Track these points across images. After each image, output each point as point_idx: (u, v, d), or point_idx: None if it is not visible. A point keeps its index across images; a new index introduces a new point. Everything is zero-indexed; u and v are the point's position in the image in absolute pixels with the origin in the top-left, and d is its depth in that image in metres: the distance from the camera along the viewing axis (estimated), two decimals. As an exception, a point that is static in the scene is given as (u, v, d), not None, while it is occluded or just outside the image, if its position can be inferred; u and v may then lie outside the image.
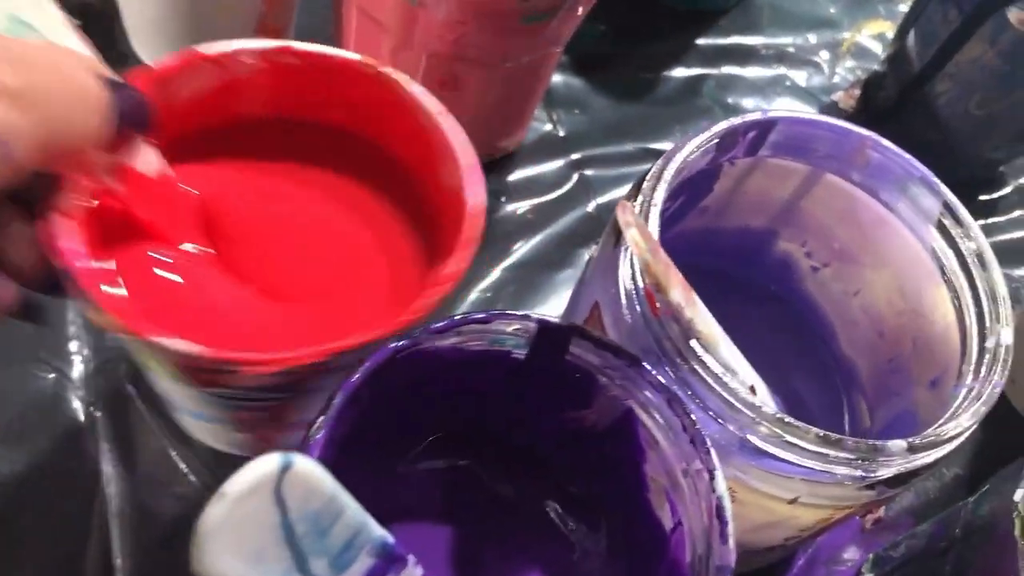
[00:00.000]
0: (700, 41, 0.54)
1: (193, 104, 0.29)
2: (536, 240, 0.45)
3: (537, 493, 0.32)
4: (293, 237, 0.30)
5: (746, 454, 0.28)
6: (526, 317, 0.26)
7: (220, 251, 0.28)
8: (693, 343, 0.27)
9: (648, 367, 0.27)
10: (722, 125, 0.32)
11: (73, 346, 0.37)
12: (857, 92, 0.54)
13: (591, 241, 0.45)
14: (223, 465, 0.36)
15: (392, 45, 0.39)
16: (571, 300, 0.37)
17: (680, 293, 0.26)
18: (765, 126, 0.33)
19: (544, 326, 0.27)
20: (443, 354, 0.27)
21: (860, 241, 0.37)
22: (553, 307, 0.43)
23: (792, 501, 0.29)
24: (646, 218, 0.29)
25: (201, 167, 0.29)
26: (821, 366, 0.40)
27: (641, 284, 0.28)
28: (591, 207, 0.46)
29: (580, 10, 0.38)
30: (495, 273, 0.43)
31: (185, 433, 0.35)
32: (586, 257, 0.45)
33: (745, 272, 0.41)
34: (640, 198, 0.30)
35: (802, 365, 0.40)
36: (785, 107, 0.53)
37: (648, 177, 0.31)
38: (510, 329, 0.27)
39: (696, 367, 0.27)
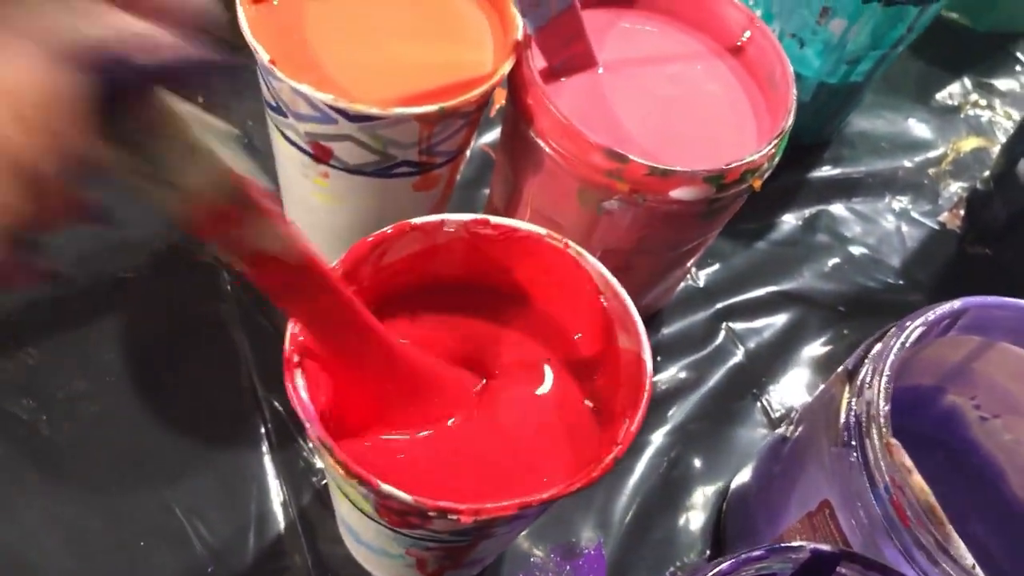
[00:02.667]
0: (808, 176, 0.56)
1: (399, 264, 0.33)
2: (695, 397, 0.47)
3: None
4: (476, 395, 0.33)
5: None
6: (800, 549, 0.28)
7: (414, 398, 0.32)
8: (951, 550, 0.29)
9: (917, 585, 0.28)
10: (920, 320, 0.34)
11: None
12: (962, 211, 0.57)
13: (747, 391, 0.47)
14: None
15: (569, 241, 0.41)
16: (777, 484, 0.39)
17: (946, 519, 0.28)
18: (957, 314, 0.35)
19: (817, 555, 0.28)
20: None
21: (1035, 398, 0.39)
22: (728, 464, 0.45)
23: None
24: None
25: (404, 321, 0.34)
26: (995, 507, 0.42)
27: (887, 495, 0.30)
28: (741, 357, 0.48)
29: (746, 195, 0.41)
30: (661, 439, 0.45)
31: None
32: (752, 411, 0.47)
33: (908, 421, 0.43)
34: (867, 405, 0.32)
35: (976, 508, 0.42)
36: (895, 233, 0.55)
37: (869, 385, 0.33)
38: (782, 557, 0.29)
39: (951, 571, 0.29)
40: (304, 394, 0.28)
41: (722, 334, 0.49)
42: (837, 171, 0.57)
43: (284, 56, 0.36)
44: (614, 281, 0.32)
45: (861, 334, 0.50)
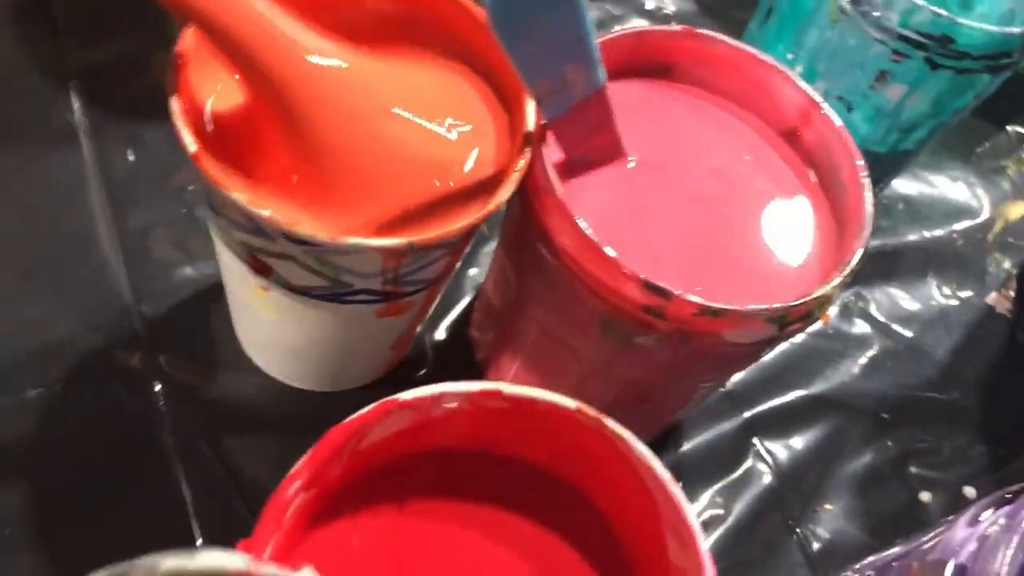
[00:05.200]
0: (842, 249, 0.49)
1: (381, 444, 0.26)
2: (721, 532, 0.40)
3: None
4: None
5: None
6: None
7: None
8: None
9: None
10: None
11: None
12: (1011, 292, 0.50)
13: (782, 523, 0.40)
14: None
15: (583, 372, 0.34)
16: None
17: None
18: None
19: None
20: None
21: None
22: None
23: None
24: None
25: (384, 507, 0.27)
26: None
27: None
28: (772, 478, 0.41)
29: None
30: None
31: None
32: (788, 549, 0.40)
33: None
34: None
35: None
36: (939, 319, 0.49)
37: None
38: None
39: None
40: None
41: (751, 451, 0.42)
42: (875, 243, 0.50)
43: (222, 139, 0.28)
44: (666, 475, 0.25)
45: (905, 446, 0.44)
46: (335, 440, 0.24)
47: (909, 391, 0.46)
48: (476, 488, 0.27)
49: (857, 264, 0.30)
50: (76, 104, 0.43)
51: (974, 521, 0.30)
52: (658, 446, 0.41)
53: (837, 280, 0.30)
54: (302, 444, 0.37)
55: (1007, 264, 0.51)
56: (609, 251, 0.28)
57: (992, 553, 0.27)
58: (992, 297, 0.50)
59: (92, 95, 0.43)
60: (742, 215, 0.32)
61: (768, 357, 0.45)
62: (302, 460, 0.23)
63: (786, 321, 0.29)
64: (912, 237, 0.51)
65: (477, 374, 0.41)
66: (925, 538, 0.34)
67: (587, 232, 0.28)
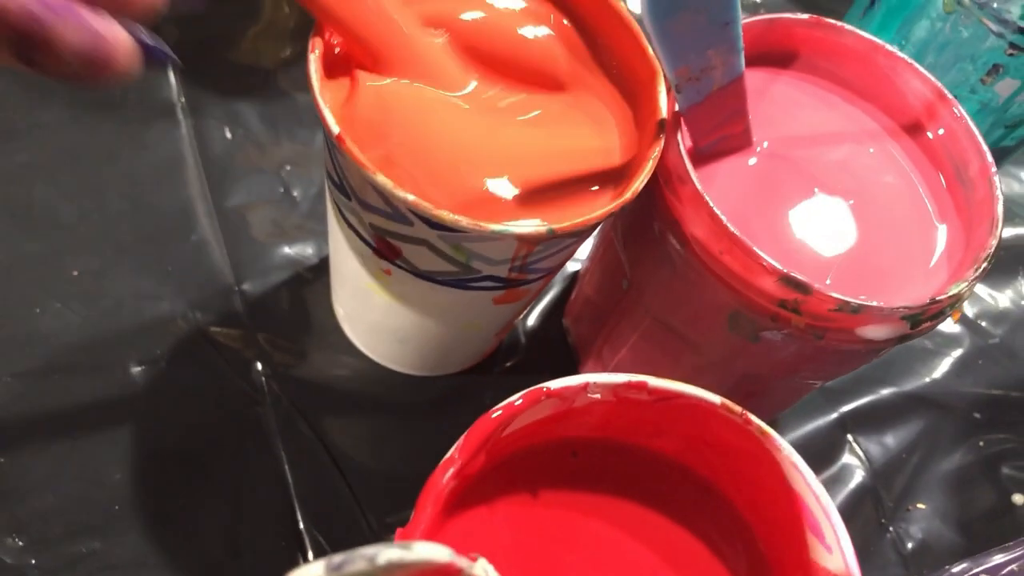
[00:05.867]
0: (932, 245, 0.49)
1: (519, 433, 0.26)
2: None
3: None
4: None
5: None
6: None
7: None
8: None
9: None
10: None
11: None
12: (1102, 294, 0.49)
13: (875, 520, 0.40)
14: None
15: (697, 363, 0.33)
16: None
17: None
18: None
19: None
20: None
21: None
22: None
23: None
24: None
25: (518, 495, 0.27)
26: None
27: None
28: (867, 477, 0.41)
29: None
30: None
31: None
32: (882, 547, 0.39)
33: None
34: None
35: None
36: (1030, 317, 0.48)
37: None
38: None
39: None
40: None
41: (846, 447, 0.41)
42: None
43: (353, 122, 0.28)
44: (811, 475, 0.25)
45: (997, 447, 0.43)
46: (485, 428, 0.23)
47: (1000, 391, 0.45)
48: (606, 479, 0.27)
49: (990, 261, 0.30)
50: (174, 81, 0.43)
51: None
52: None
53: (972, 276, 0.29)
54: (398, 426, 0.37)
55: (1098, 265, 0.51)
56: (748, 243, 0.27)
57: None
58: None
59: (189, 72, 0.43)
60: (868, 209, 0.32)
61: (860, 353, 0.44)
62: (455, 447, 0.23)
63: (921, 319, 0.29)
64: (1003, 235, 0.50)
65: (570, 362, 0.41)
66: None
67: (726, 223, 0.28)
